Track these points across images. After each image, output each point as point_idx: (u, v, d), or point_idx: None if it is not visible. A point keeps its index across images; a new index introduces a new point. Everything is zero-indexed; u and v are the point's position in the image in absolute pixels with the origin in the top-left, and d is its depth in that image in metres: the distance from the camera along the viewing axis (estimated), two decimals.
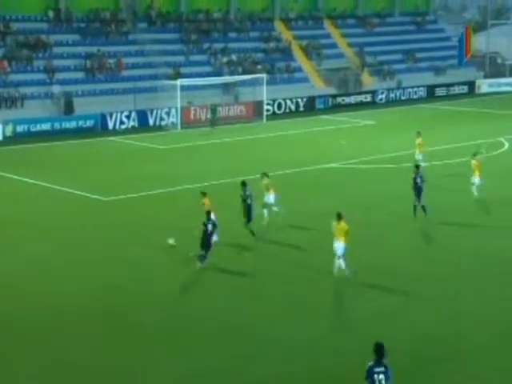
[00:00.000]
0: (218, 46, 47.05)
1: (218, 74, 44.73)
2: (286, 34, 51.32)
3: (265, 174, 21.26)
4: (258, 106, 42.76)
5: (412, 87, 51.03)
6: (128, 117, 39.08)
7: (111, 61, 42.23)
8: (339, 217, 17.01)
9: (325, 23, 53.77)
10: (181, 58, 45.12)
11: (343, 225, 16.88)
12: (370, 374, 10.35)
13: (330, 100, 47.45)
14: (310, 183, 26.82)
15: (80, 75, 41.20)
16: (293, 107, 45.34)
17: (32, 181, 26.98)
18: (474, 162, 23.77)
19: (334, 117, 43.57)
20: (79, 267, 18.26)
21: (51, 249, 19.63)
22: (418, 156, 27.21)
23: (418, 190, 21.57)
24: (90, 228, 21.41)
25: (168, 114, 40.02)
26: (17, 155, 32.06)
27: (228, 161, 30.87)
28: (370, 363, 10.44)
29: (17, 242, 20.19)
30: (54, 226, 21.58)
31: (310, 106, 45.97)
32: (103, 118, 38.28)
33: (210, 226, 17.75)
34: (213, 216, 18.08)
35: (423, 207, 21.63)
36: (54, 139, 35.05)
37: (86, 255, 19.13)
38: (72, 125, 37.40)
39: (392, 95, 50.14)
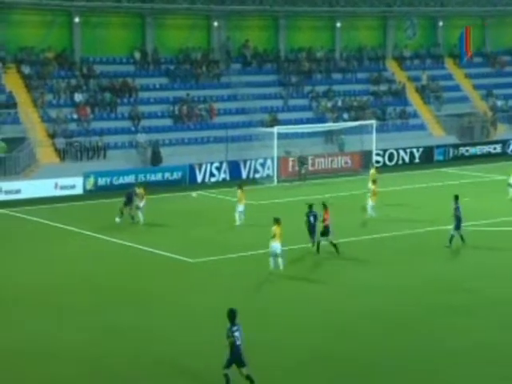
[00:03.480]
0: (321, 88, 48.51)
1: (321, 120, 46.04)
2: (400, 75, 52.18)
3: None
4: (365, 157, 43.45)
5: None
6: (219, 168, 40.85)
7: (201, 106, 44.47)
8: (277, 221, 23.71)
9: (445, 62, 54.35)
10: (278, 103, 46.82)
11: (280, 229, 23.59)
12: (230, 333, 15.47)
13: (452, 151, 47.63)
14: (422, 247, 27.20)
15: (167, 122, 43.59)
16: (407, 158, 45.80)
17: (113, 239, 28.76)
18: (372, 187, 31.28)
19: (456, 170, 43.78)
20: (172, 332, 19.51)
21: (138, 315, 20.98)
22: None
23: (312, 229, 26.25)
24: (177, 292, 22.74)
25: (263, 165, 41.51)
26: (98, 211, 34.17)
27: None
28: (228, 325, 15.49)
29: (100, 307, 21.71)
30: (139, 289, 23.05)
31: (428, 158, 46.32)
32: (191, 169, 40.23)
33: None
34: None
35: (318, 243, 26.19)
36: None
37: (177, 320, 20.37)
38: (157, 177, 39.54)
39: None
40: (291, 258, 25.38)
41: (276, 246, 23.74)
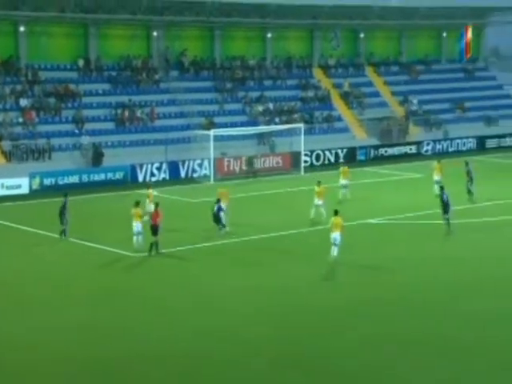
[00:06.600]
0: (254, 94, 49.17)
1: (254, 123, 46.68)
2: (325, 82, 53.24)
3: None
4: (295, 158, 44.33)
5: (460, 138, 52.28)
6: (159, 168, 41.07)
7: (142, 110, 44.51)
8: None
9: (366, 70, 55.66)
10: (214, 107, 47.28)
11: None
12: None
13: (372, 151, 48.89)
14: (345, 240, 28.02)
15: (110, 126, 43.52)
16: (332, 159, 46.76)
17: (59, 236, 28.58)
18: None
19: (376, 169, 44.93)
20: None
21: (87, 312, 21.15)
22: (318, 201, 30.46)
23: (217, 217, 28.47)
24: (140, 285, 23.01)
25: (200, 165, 41.91)
26: (44, 209, 33.75)
27: (267, 214, 32.36)
28: None
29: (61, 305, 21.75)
30: (83, 283, 23.25)
31: (351, 158, 47.32)
32: (133, 169, 40.33)
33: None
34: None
35: (223, 225, 28.48)
36: (82, 192, 36.72)
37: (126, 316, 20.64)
38: (101, 177, 39.48)
39: (439, 147, 51.39)
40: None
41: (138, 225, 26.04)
